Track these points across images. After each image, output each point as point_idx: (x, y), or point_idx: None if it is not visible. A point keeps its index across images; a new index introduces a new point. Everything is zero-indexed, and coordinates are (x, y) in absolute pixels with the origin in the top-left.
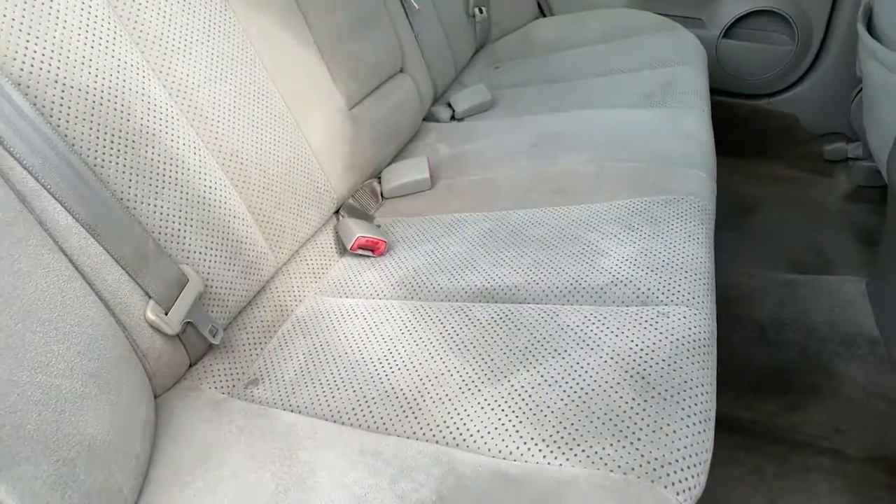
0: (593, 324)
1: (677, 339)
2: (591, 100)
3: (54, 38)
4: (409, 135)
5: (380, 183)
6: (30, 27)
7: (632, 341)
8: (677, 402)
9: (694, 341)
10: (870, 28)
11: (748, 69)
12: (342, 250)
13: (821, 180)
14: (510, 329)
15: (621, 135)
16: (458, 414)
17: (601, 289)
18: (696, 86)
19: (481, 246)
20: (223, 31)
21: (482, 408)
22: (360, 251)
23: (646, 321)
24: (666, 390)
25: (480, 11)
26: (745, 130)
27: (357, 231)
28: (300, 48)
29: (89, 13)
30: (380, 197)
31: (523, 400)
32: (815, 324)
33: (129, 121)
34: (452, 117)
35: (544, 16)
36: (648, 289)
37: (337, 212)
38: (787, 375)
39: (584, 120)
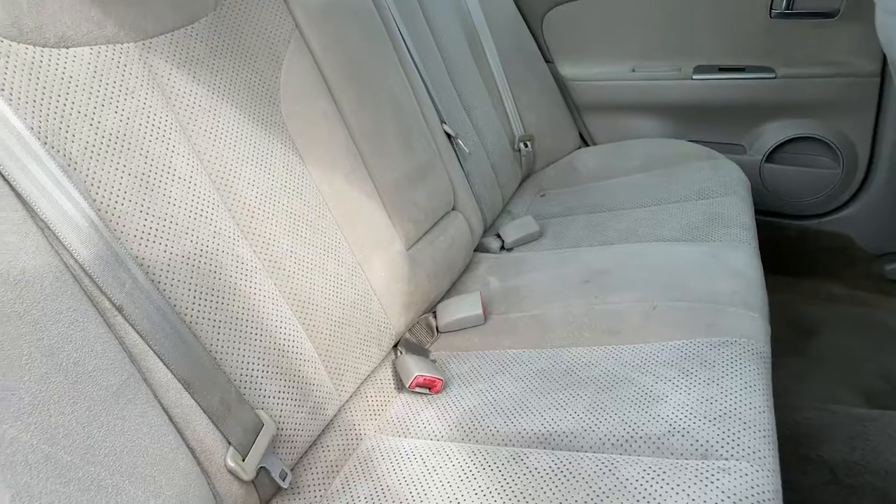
0: (653, 479)
1: (740, 500)
2: (638, 232)
3: (165, 214)
4: (461, 268)
5: (435, 317)
6: (148, 208)
7: (693, 501)
8: None
9: (758, 502)
10: None
11: (794, 192)
12: (400, 386)
13: (885, 301)
14: (568, 481)
15: (670, 273)
16: None
17: (659, 438)
18: (741, 219)
19: (535, 386)
20: (301, 191)
21: None
22: (417, 389)
23: (707, 477)
24: None
25: (525, 146)
26: (798, 250)
27: (415, 369)
28: (365, 200)
29: (194, 190)
30: (435, 331)
31: None
32: (894, 466)
33: (220, 280)
34: (502, 247)
35: (587, 145)
36: (707, 441)
37: (395, 346)
38: None
39: (631, 255)
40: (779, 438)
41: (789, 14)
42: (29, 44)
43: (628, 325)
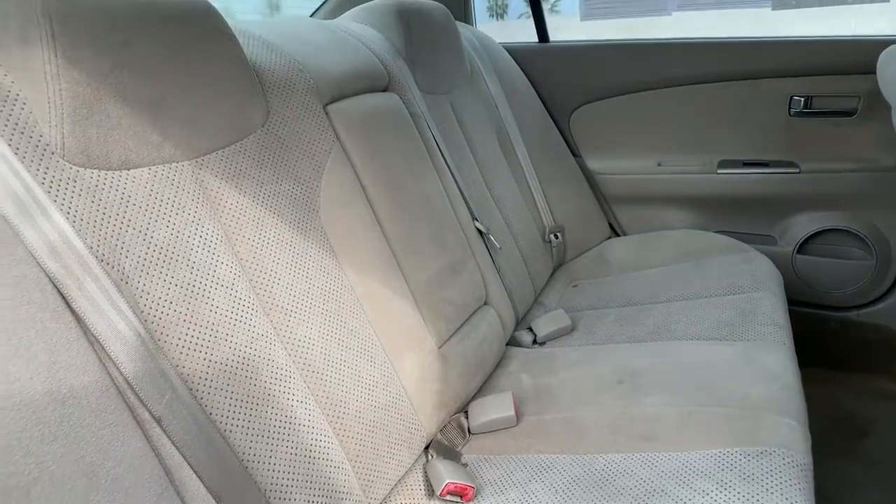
0: None
1: None
2: (670, 328)
3: (207, 321)
4: (493, 365)
5: (467, 418)
6: (191, 317)
7: None
8: None
9: None
10: None
11: (830, 283)
12: (431, 493)
13: None
14: None
15: (704, 375)
16: None
17: None
18: (774, 316)
19: (570, 497)
20: (336, 293)
21: None
22: (448, 497)
23: None
24: None
25: (556, 237)
26: (840, 342)
27: (446, 476)
28: (398, 299)
29: (235, 295)
30: (467, 433)
31: None
32: None
33: (255, 386)
34: (534, 341)
35: (616, 235)
36: None
37: (426, 448)
38: None
39: (665, 354)
40: None
41: (808, 113)
42: (94, 168)
43: (663, 430)
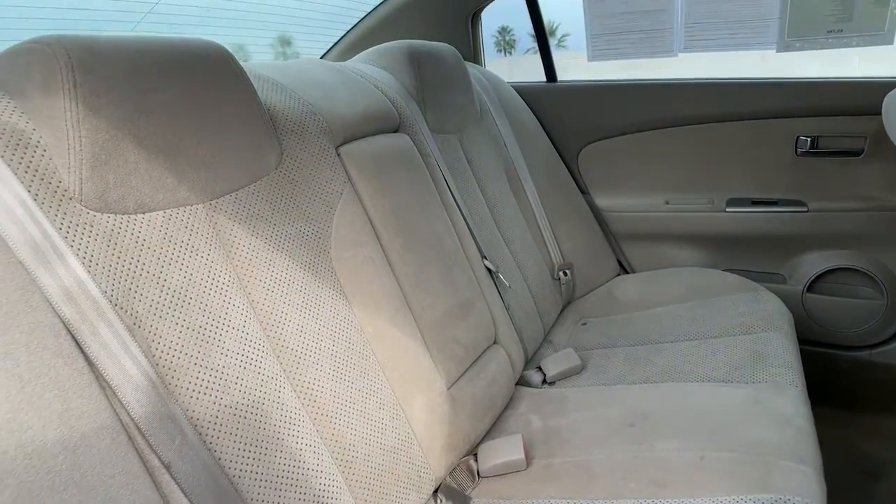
0: None
1: None
2: (681, 369)
3: (217, 365)
4: (503, 405)
5: (476, 460)
6: (202, 360)
7: None
8: None
9: None
10: None
11: (840, 322)
12: None
13: None
14: None
15: (715, 418)
16: None
17: None
18: (786, 357)
19: None
20: (346, 334)
21: None
22: None
23: None
24: None
25: (565, 274)
26: (853, 382)
27: None
28: (408, 340)
29: (246, 338)
30: (476, 476)
31: None
32: None
33: (264, 430)
34: (544, 381)
35: (626, 272)
36: None
37: (435, 492)
38: None
39: (675, 397)
40: None
41: (815, 153)
42: (111, 213)
43: (675, 476)
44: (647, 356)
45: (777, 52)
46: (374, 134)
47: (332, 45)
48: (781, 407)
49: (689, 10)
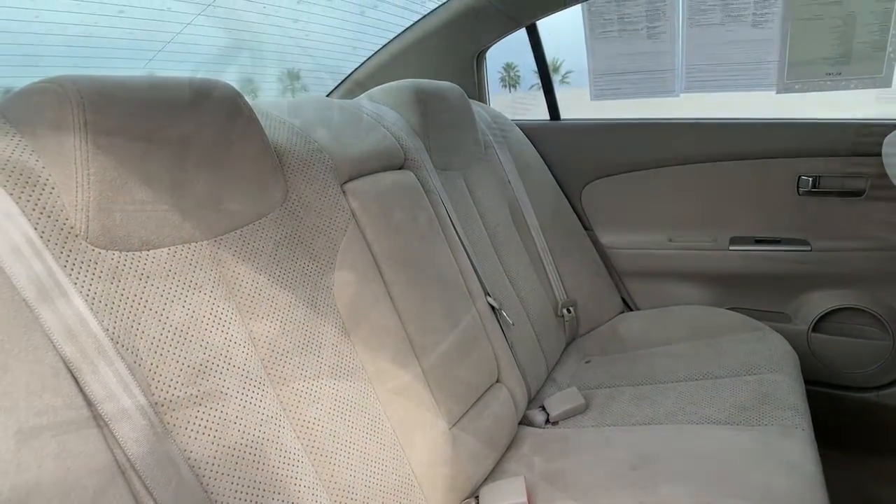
0: None
1: None
2: (685, 410)
3: (217, 404)
4: (505, 446)
5: (478, 503)
6: (201, 399)
7: None
8: None
9: None
10: None
11: (846, 363)
12: None
13: None
14: None
15: (721, 463)
16: None
17: None
18: (792, 400)
19: None
20: (347, 372)
21: None
22: None
23: None
24: None
25: (569, 311)
26: (859, 424)
27: None
28: (409, 378)
29: (246, 377)
30: None
31: None
32: None
33: (262, 470)
34: (547, 420)
35: (630, 309)
36: None
37: None
38: None
39: (680, 439)
40: None
41: (817, 192)
42: (116, 250)
43: None
44: (651, 396)
45: (777, 93)
46: (379, 171)
47: (339, 82)
48: (789, 451)
49: (690, 52)
